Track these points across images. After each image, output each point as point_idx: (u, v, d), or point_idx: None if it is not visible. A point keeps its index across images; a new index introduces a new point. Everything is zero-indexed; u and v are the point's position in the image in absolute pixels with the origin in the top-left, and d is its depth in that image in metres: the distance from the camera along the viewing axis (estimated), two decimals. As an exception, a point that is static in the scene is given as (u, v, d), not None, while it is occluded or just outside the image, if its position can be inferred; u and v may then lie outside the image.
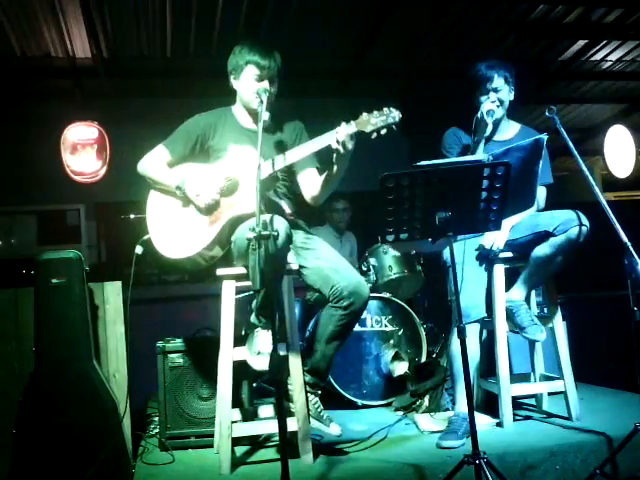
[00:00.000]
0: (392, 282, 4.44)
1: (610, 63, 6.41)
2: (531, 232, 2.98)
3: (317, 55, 5.56)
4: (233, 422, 2.70)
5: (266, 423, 2.92)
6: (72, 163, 5.74)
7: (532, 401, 3.49)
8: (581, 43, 5.86)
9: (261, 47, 2.84)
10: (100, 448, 2.71)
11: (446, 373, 3.36)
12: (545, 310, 3.63)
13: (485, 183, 2.34)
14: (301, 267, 2.78)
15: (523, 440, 2.78)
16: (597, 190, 2.74)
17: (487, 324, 3.13)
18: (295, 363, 2.71)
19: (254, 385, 3.64)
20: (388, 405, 3.82)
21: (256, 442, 3.01)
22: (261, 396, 3.92)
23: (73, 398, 2.78)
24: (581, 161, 2.82)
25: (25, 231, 6.55)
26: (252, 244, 2.38)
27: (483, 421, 3.03)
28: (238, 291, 2.83)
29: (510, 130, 3.24)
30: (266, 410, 3.15)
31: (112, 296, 3.15)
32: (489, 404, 3.28)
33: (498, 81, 3.07)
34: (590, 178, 2.78)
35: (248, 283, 2.69)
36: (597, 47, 5.96)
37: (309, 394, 2.78)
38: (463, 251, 2.90)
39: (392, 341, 4.03)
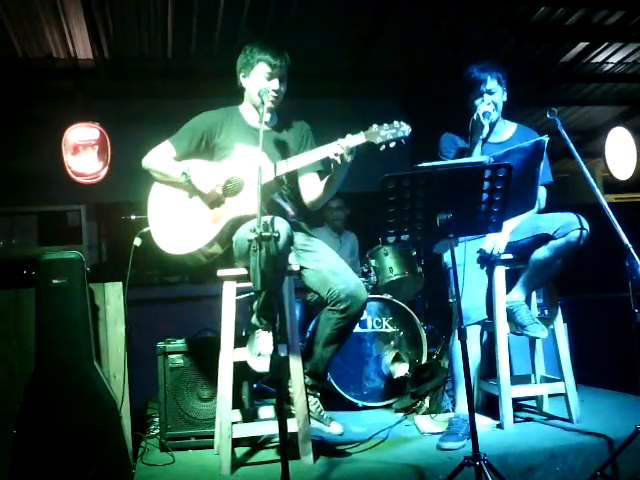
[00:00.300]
0: (393, 283, 4.44)
1: (611, 65, 6.41)
2: (531, 234, 2.98)
3: (319, 56, 5.56)
4: (233, 423, 2.70)
5: (266, 424, 2.92)
6: (73, 164, 5.74)
7: (533, 403, 3.49)
8: (582, 45, 5.87)
9: (272, 46, 2.86)
10: (100, 449, 2.71)
11: (447, 375, 3.36)
12: (546, 312, 3.63)
13: (486, 185, 2.34)
14: (301, 268, 2.78)
15: (523, 442, 2.77)
16: (598, 192, 2.74)
17: (488, 326, 3.13)
18: (296, 364, 2.71)
19: (254, 386, 3.64)
20: (388, 406, 3.81)
21: (256, 443, 3.01)
22: (261, 397, 3.93)
23: (73, 398, 2.79)
24: (582, 163, 2.82)
25: (26, 232, 6.56)
26: (253, 245, 2.38)
27: (483, 423, 3.03)
28: (239, 292, 2.83)
29: (506, 131, 3.24)
30: (266, 411, 3.15)
31: (113, 297, 3.15)
32: (489, 406, 3.28)
33: (491, 83, 3.07)
34: (591, 180, 2.78)
35: (249, 284, 2.69)
36: (598, 49, 5.96)
37: (309, 395, 2.78)
38: (464, 253, 2.90)
39: (393, 342, 4.03)
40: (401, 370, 3.86)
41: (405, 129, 2.62)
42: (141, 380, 3.37)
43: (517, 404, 3.40)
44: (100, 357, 3.06)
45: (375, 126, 2.63)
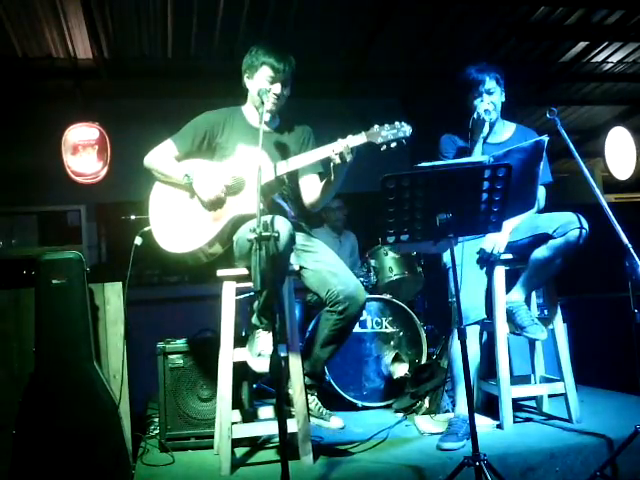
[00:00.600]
0: (392, 283, 4.44)
1: (611, 65, 6.41)
2: (531, 234, 2.98)
3: (319, 56, 5.56)
4: (233, 423, 2.70)
5: (266, 424, 2.92)
6: (73, 164, 5.74)
7: (532, 403, 3.49)
8: (582, 45, 5.87)
9: (278, 50, 2.84)
10: (100, 449, 2.71)
11: (446, 375, 3.36)
12: (545, 312, 3.62)
13: (486, 185, 2.34)
14: (301, 268, 2.78)
15: (523, 442, 2.77)
16: (598, 192, 2.73)
17: (487, 326, 3.13)
18: (295, 364, 2.71)
19: (254, 386, 3.64)
20: (388, 407, 3.81)
21: (256, 443, 3.01)
22: (261, 397, 3.93)
23: (73, 399, 2.79)
24: (582, 163, 2.82)
25: (26, 232, 6.57)
26: (254, 245, 2.38)
27: (483, 423, 3.03)
28: (238, 292, 2.83)
29: (505, 131, 3.24)
30: (266, 411, 3.15)
31: (112, 297, 3.15)
32: (489, 406, 3.28)
33: (490, 83, 3.08)
34: (591, 180, 2.77)
35: (249, 284, 2.69)
36: (598, 49, 5.96)
37: (307, 394, 2.79)
38: (461, 253, 2.90)
39: (392, 343, 4.03)
40: (401, 370, 3.86)
41: (406, 129, 2.63)
42: (141, 380, 3.37)
43: (517, 404, 3.39)
44: (100, 357, 3.06)
45: (376, 126, 2.64)
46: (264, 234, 2.18)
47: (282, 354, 2.64)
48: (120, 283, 3.18)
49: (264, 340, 2.58)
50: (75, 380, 2.82)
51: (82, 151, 5.74)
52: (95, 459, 2.69)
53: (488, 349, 3.25)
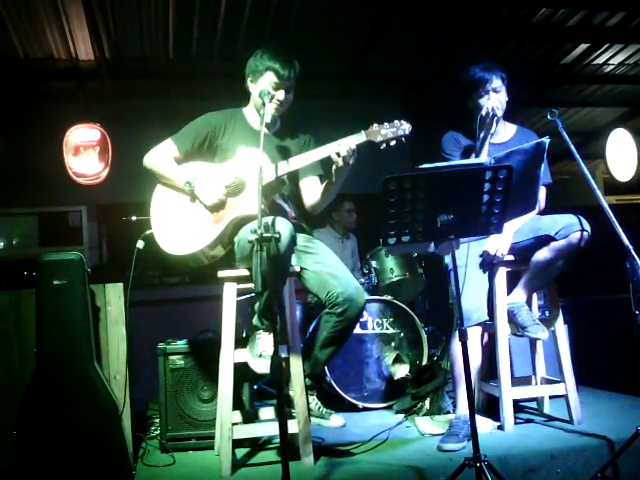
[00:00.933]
0: (393, 285, 4.44)
1: (612, 67, 6.42)
2: (533, 236, 2.98)
3: (319, 58, 5.57)
4: (234, 424, 2.70)
5: (267, 425, 2.92)
6: (74, 165, 5.76)
7: (533, 404, 3.49)
8: (583, 47, 5.87)
9: (283, 55, 2.82)
10: (101, 449, 2.71)
11: (447, 376, 3.36)
12: (547, 313, 3.62)
13: (487, 186, 2.34)
14: (301, 270, 2.78)
15: (524, 443, 2.77)
16: (599, 193, 2.74)
17: (488, 327, 3.13)
18: (296, 365, 2.71)
19: (255, 387, 3.64)
20: (389, 408, 3.81)
21: (257, 444, 3.01)
22: (262, 398, 3.93)
23: (74, 399, 2.79)
24: (583, 164, 2.82)
25: (27, 232, 6.57)
26: (255, 246, 2.38)
27: (484, 424, 3.02)
28: (239, 293, 2.83)
29: (506, 132, 3.24)
30: (267, 412, 3.14)
31: (113, 298, 3.15)
32: (490, 407, 3.28)
33: (496, 82, 3.07)
34: (592, 181, 2.77)
35: (249, 285, 2.69)
36: (599, 51, 5.97)
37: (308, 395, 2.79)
38: (466, 254, 2.89)
39: (393, 344, 4.03)
40: (402, 371, 3.86)
41: (405, 127, 2.64)
42: (142, 381, 3.37)
43: (518, 405, 3.39)
44: (101, 358, 3.06)
45: (376, 125, 2.64)
46: (265, 235, 2.18)
47: (283, 355, 2.64)
48: (121, 284, 3.18)
49: (265, 341, 2.58)
50: (76, 380, 2.82)
51: (83, 152, 5.75)
52: (96, 459, 2.69)
53: (489, 350, 3.25)
